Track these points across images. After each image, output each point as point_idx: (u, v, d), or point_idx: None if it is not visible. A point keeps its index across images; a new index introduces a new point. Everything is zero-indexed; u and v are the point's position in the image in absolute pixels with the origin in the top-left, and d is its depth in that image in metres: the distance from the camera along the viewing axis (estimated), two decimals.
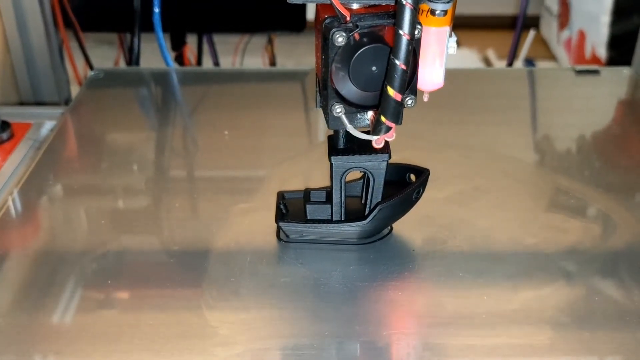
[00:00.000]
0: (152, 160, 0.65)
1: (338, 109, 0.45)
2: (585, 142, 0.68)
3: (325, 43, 0.43)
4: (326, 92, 0.45)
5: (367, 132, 0.46)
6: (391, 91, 0.42)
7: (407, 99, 0.45)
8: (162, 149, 0.67)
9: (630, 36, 0.98)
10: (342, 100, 0.45)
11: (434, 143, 0.66)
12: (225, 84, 0.82)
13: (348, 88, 0.44)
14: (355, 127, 0.46)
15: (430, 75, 0.45)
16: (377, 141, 0.46)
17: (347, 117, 0.45)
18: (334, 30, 0.42)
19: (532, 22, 2.13)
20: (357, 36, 0.42)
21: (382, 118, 0.43)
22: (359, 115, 0.46)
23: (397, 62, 0.41)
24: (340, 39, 0.42)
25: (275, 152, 0.65)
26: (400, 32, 0.40)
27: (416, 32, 0.42)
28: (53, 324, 0.45)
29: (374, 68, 0.43)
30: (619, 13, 1.71)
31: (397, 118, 0.43)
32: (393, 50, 0.41)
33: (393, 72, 0.41)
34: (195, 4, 1.08)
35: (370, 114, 0.46)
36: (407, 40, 0.40)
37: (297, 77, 0.81)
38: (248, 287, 0.48)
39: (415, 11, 0.40)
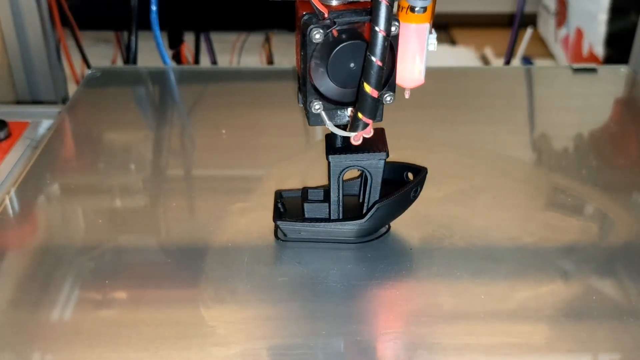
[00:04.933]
0: (149, 159, 0.65)
1: (317, 106, 0.45)
2: (582, 140, 0.68)
3: (303, 40, 0.43)
4: (305, 89, 0.45)
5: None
6: (368, 87, 0.42)
7: (385, 95, 0.45)
8: (160, 148, 0.67)
9: (628, 34, 0.98)
10: (321, 96, 0.45)
11: (431, 142, 0.66)
12: (222, 82, 0.81)
13: (327, 85, 0.44)
14: (335, 124, 0.46)
15: (411, 72, 0.45)
16: (355, 137, 0.46)
17: (327, 114, 0.46)
18: (311, 26, 0.42)
19: (530, 20, 2.13)
20: (335, 33, 0.43)
21: (359, 114, 0.43)
22: (339, 112, 0.46)
23: (373, 58, 0.41)
24: (317, 35, 0.42)
25: (272, 151, 0.65)
26: (376, 28, 0.40)
27: (393, 28, 0.42)
28: (50, 323, 0.45)
29: (352, 64, 0.43)
30: (617, 11, 1.71)
31: (374, 114, 0.43)
32: (369, 47, 0.41)
33: (369, 69, 0.41)
34: (192, 2, 1.08)
35: (350, 110, 0.46)
36: (383, 36, 0.40)
37: (294, 76, 0.81)
38: (245, 286, 0.48)
39: (391, 7, 0.40)
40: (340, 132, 0.46)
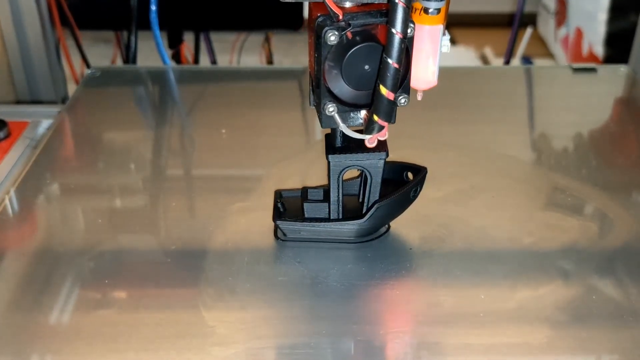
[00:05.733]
0: (149, 159, 0.65)
1: (331, 108, 0.45)
2: (582, 140, 0.68)
3: (317, 41, 0.43)
4: (319, 91, 0.45)
5: (361, 131, 0.46)
6: (384, 90, 0.42)
7: (400, 97, 0.45)
8: (159, 148, 0.67)
9: (627, 34, 0.98)
10: (335, 99, 0.45)
11: (431, 142, 0.66)
12: (222, 82, 0.81)
13: (341, 87, 0.44)
14: (349, 126, 0.46)
15: (424, 74, 0.45)
16: (370, 140, 0.46)
17: (340, 116, 0.45)
18: (326, 28, 0.42)
19: (530, 20, 2.13)
20: (349, 35, 0.42)
21: (375, 117, 0.43)
22: (352, 114, 0.46)
23: (389, 60, 0.41)
24: (332, 37, 0.42)
25: (272, 150, 0.65)
26: (393, 30, 0.40)
27: (409, 30, 0.42)
28: (50, 323, 0.45)
29: (366, 67, 0.43)
30: (616, 11, 1.71)
31: (389, 117, 0.43)
32: (385, 49, 0.41)
33: (386, 71, 0.41)
34: (192, 2, 1.08)
35: (363, 113, 0.46)
36: (400, 38, 0.40)
37: (294, 76, 0.81)
38: (245, 286, 0.48)
39: (408, 9, 0.40)
40: (355, 135, 0.46)
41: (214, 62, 1.18)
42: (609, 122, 0.72)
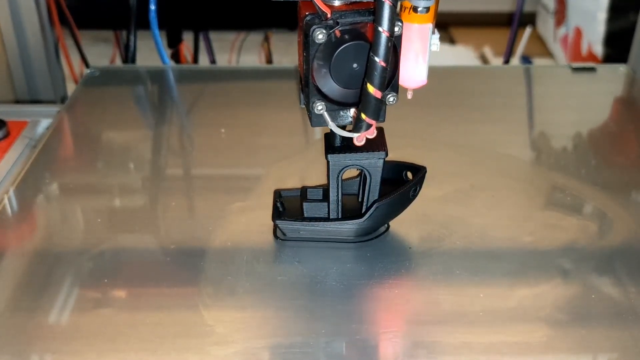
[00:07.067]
0: (148, 158, 0.65)
1: (319, 107, 0.45)
2: (581, 139, 0.68)
3: (306, 40, 0.43)
4: (308, 90, 0.45)
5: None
6: (371, 88, 0.42)
7: (388, 96, 0.45)
8: (159, 147, 0.67)
9: (627, 33, 0.98)
10: (324, 97, 0.45)
11: (430, 141, 0.66)
12: (221, 81, 0.81)
13: (329, 85, 0.44)
14: (338, 125, 0.46)
15: (413, 73, 0.45)
16: (358, 138, 0.46)
17: (330, 115, 0.45)
18: (314, 27, 0.42)
19: (529, 19, 2.13)
20: (337, 33, 0.42)
21: (363, 115, 0.43)
22: (341, 113, 0.46)
23: (376, 59, 0.41)
24: (320, 36, 0.42)
25: (271, 150, 0.65)
26: (380, 28, 0.40)
27: (396, 28, 0.42)
28: (49, 323, 0.45)
29: (355, 65, 0.43)
30: (616, 10, 1.71)
31: (377, 115, 0.43)
32: (372, 47, 0.41)
33: (373, 69, 0.41)
34: (191, 2, 1.08)
35: (352, 111, 0.46)
36: (387, 37, 0.40)
37: (293, 75, 0.81)
38: (245, 285, 0.48)
39: (394, 7, 0.40)
40: (343, 133, 0.46)
41: (213, 61, 1.18)
42: (608, 121, 0.72)
